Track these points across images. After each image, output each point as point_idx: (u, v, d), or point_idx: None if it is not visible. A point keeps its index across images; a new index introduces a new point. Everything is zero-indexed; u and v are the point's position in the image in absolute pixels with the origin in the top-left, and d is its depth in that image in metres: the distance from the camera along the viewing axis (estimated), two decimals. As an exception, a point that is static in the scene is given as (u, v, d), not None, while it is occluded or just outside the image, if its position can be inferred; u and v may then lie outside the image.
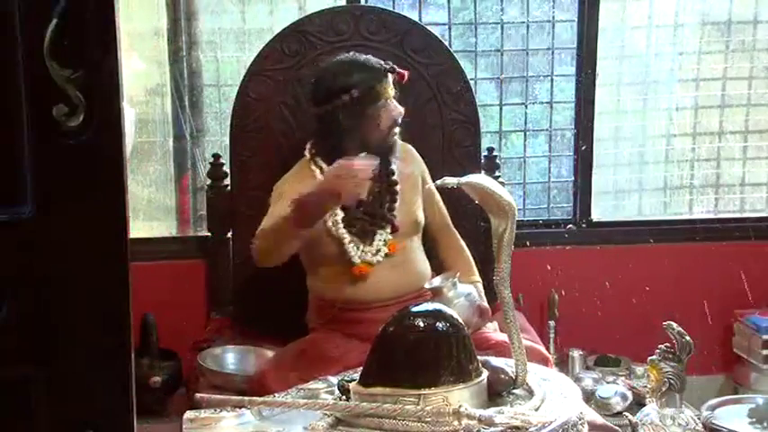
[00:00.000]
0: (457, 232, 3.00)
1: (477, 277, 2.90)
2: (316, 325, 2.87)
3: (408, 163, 2.91)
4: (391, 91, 2.76)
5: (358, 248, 2.76)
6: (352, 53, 2.85)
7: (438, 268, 2.93)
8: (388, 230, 2.79)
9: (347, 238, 2.74)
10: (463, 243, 2.99)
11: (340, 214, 2.74)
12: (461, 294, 2.63)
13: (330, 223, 2.73)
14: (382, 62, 2.79)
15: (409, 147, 2.96)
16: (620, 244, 3.73)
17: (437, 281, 2.67)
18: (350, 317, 2.77)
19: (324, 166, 2.77)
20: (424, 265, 2.90)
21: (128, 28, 3.37)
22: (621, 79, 3.83)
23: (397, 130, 2.80)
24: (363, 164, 2.54)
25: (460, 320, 2.11)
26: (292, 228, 2.57)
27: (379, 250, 2.77)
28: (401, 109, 2.78)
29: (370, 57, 2.81)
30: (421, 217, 2.90)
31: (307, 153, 2.85)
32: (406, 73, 2.81)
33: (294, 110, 3.14)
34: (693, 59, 3.83)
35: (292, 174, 2.84)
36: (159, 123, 3.56)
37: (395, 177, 2.83)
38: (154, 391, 3.07)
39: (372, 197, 2.79)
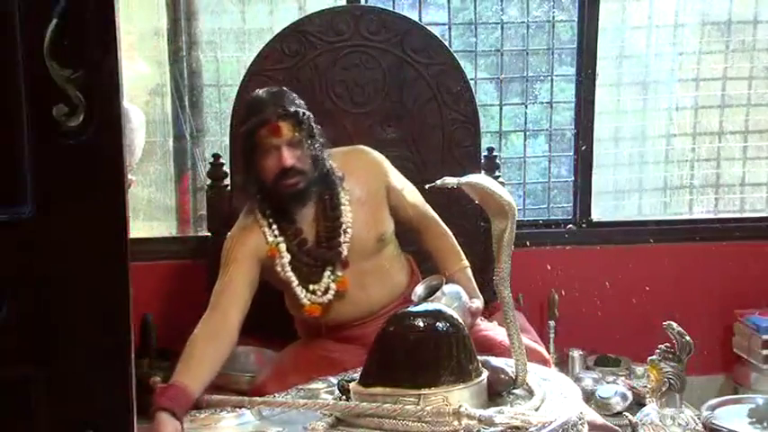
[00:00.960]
0: (438, 218, 2.90)
1: (464, 262, 2.83)
2: (306, 338, 2.85)
3: (363, 180, 2.77)
4: (277, 140, 2.58)
5: (306, 290, 2.68)
6: (266, 89, 2.70)
7: (425, 258, 2.90)
8: (338, 267, 2.69)
9: (294, 281, 2.67)
10: (446, 228, 2.88)
11: (286, 257, 2.65)
12: (452, 299, 2.57)
13: (278, 267, 2.66)
14: (276, 107, 2.60)
15: (366, 156, 2.82)
16: (620, 244, 3.74)
17: (420, 290, 2.63)
18: (336, 334, 2.76)
19: (266, 208, 2.67)
20: (400, 275, 2.83)
21: (128, 28, 3.37)
22: (621, 79, 3.83)
23: (292, 180, 2.60)
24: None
25: (460, 320, 2.11)
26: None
27: (327, 289, 2.68)
28: (288, 161, 2.58)
29: (274, 97, 2.63)
30: (387, 228, 2.78)
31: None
32: (278, 126, 2.59)
33: (294, 110, 3.14)
34: (693, 59, 3.83)
35: (238, 224, 2.73)
36: (159, 123, 3.56)
37: (340, 209, 2.69)
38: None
39: (317, 235, 2.69)
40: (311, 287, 2.68)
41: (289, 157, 2.59)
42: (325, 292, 2.68)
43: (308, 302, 2.68)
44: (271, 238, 2.65)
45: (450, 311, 2.13)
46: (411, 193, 2.86)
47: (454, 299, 2.58)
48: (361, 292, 2.72)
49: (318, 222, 2.69)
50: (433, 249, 2.87)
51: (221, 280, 2.62)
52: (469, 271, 2.83)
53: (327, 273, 2.68)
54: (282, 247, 2.65)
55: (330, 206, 2.69)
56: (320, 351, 2.71)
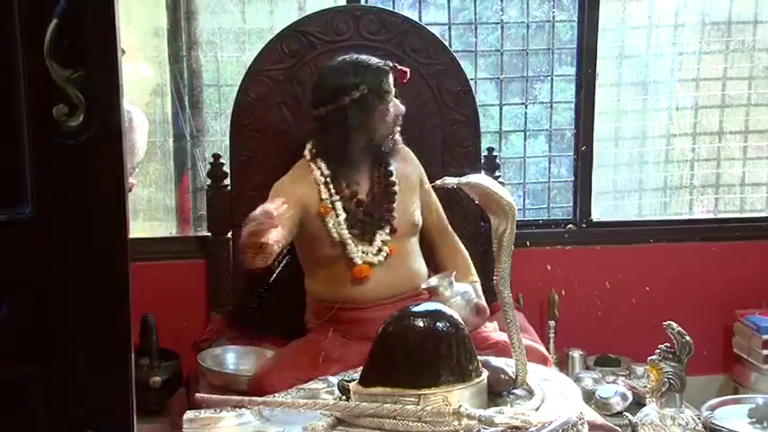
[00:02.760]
0: (454, 233, 3.01)
1: (475, 277, 2.90)
2: (314, 325, 2.87)
3: (407, 165, 2.93)
4: (393, 89, 2.80)
5: (358, 249, 2.76)
6: (352, 54, 2.86)
7: (436, 269, 2.93)
8: (388, 231, 2.79)
9: (349, 238, 2.74)
10: (461, 244, 2.99)
11: (342, 215, 2.75)
12: (458, 293, 2.63)
13: (331, 224, 2.74)
14: (383, 61, 2.81)
15: (407, 149, 2.96)
16: (620, 244, 3.73)
17: (433, 281, 2.67)
18: (348, 317, 2.77)
19: (323, 167, 2.78)
20: (421, 265, 2.90)
21: (128, 28, 3.37)
22: (621, 79, 3.83)
23: (398, 129, 2.83)
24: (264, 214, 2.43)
25: (460, 320, 2.11)
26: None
27: (380, 250, 2.78)
28: (403, 108, 2.81)
29: (370, 56, 2.83)
30: (419, 219, 2.90)
31: (307, 153, 2.85)
32: (407, 71, 2.83)
33: (294, 110, 3.14)
34: (693, 59, 3.83)
35: (290, 174, 2.84)
36: (159, 123, 3.56)
37: (393, 178, 2.84)
38: (154, 391, 3.06)
39: (372, 198, 2.80)
40: (362, 247, 2.75)
41: (402, 107, 2.80)
42: (378, 252, 2.77)
43: (361, 262, 2.74)
44: (325, 195, 2.74)
45: (450, 311, 2.13)
46: (436, 202, 2.99)
47: (459, 293, 2.63)
48: (388, 272, 2.77)
49: (373, 186, 2.80)
50: (446, 260, 2.94)
51: None
52: (479, 286, 2.88)
53: (380, 234, 2.77)
54: (339, 204, 2.74)
55: (384, 174, 2.83)
56: (321, 347, 2.71)
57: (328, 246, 2.76)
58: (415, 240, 2.90)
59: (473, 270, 2.93)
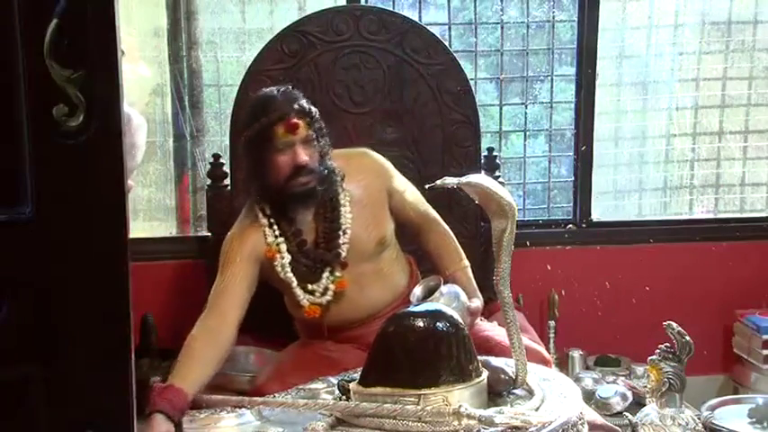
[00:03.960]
0: (439, 218, 2.89)
1: (465, 262, 2.82)
2: (306, 339, 2.85)
3: (367, 178, 2.77)
4: (292, 137, 2.58)
5: (305, 290, 2.68)
6: (274, 88, 2.69)
7: (426, 258, 2.89)
8: (337, 268, 2.68)
9: (294, 282, 2.66)
10: (447, 228, 2.88)
11: (287, 257, 2.65)
12: (451, 299, 2.56)
13: (279, 268, 2.65)
14: (291, 103, 2.60)
15: (364, 156, 2.82)
16: (620, 244, 3.73)
17: (418, 291, 2.62)
18: (335, 335, 2.75)
19: (266, 208, 2.67)
20: (401, 274, 2.83)
21: (128, 28, 3.37)
22: (621, 79, 3.83)
23: (304, 179, 2.60)
24: None
25: (460, 320, 2.11)
26: None
27: (326, 289, 2.68)
28: (303, 158, 2.58)
29: (285, 95, 2.63)
30: (388, 231, 2.77)
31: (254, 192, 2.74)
32: (296, 122, 2.59)
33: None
34: (693, 59, 3.83)
35: (239, 225, 2.72)
36: (159, 123, 3.56)
37: (340, 211, 2.68)
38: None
39: (316, 237, 2.69)
40: (310, 287, 2.67)
41: (303, 155, 2.58)
42: (324, 293, 2.67)
43: (308, 303, 2.68)
44: (271, 239, 2.65)
45: (450, 311, 2.13)
46: (412, 195, 2.86)
47: (453, 299, 2.57)
48: (360, 294, 2.71)
49: (318, 223, 2.68)
50: (434, 249, 2.86)
51: (220, 279, 2.62)
52: (469, 270, 2.82)
53: (326, 274, 2.67)
54: (283, 247, 2.65)
55: (330, 207, 2.68)
56: (320, 351, 2.71)
57: (282, 285, 2.70)
58: (390, 251, 2.79)
59: (463, 255, 2.84)
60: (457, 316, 2.13)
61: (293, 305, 2.75)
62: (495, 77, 3.70)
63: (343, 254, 2.67)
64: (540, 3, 3.66)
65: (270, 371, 2.71)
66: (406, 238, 2.89)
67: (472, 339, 2.12)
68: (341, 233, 2.67)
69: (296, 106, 2.59)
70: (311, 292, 2.67)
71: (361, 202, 2.72)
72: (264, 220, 2.66)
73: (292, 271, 2.66)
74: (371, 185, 2.77)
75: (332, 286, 2.67)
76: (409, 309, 2.17)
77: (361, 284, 2.71)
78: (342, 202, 2.69)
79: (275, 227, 2.66)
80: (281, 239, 2.65)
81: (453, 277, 2.74)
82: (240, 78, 3.20)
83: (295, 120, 2.58)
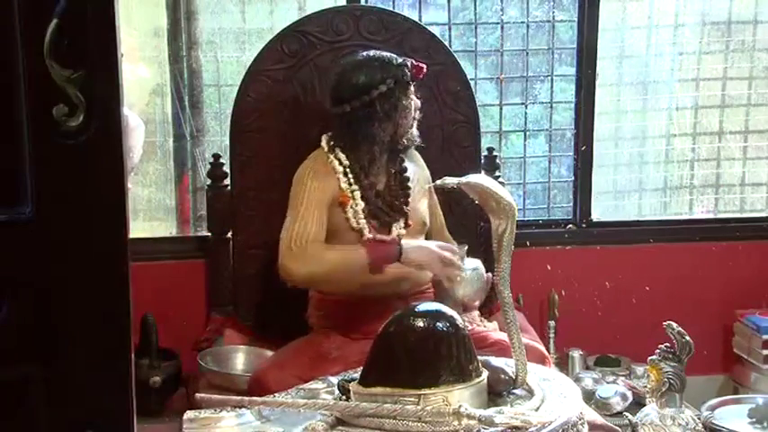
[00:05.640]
0: (451, 238, 3.02)
1: None
2: (316, 321, 2.86)
3: (417, 167, 2.97)
4: (411, 90, 2.83)
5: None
6: (366, 51, 2.87)
7: None
8: (403, 225, 2.82)
9: (366, 229, 2.75)
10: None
11: (361, 204, 2.76)
12: (470, 267, 2.73)
13: (351, 214, 2.75)
14: (402, 57, 2.84)
15: (417, 153, 2.99)
16: (620, 244, 3.73)
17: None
18: (353, 311, 2.76)
19: (342, 157, 2.79)
20: None
21: (128, 28, 3.37)
22: (621, 79, 3.83)
23: (416, 123, 2.87)
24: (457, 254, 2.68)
25: (460, 320, 2.11)
26: (366, 273, 2.65)
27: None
28: (419, 102, 2.86)
29: (386, 52, 2.86)
30: (427, 218, 2.93)
31: (324, 145, 2.84)
32: (424, 66, 2.83)
33: (294, 110, 3.14)
34: (693, 59, 3.83)
35: (311, 168, 2.81)
36: (159, 123, 3.56)
37: (408, 174, 2.88)
38: (154, 391, 3.07)
39: (389, 190, 2.83)
40: (378, 238, 2.75)
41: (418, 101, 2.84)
42: None
43: None
44: (345, 185, 2.76)
45: (450, 311, 2.13)
46: (438, 205, 3.03)
47: (473, 268, 2.72)
48: (395, 269, 2.75)
49: (389, 180, 2.84)
50: None
51: (299, 221, 2.70)
52: None
53: (396, 225, 2.80)
54: (357, 194, 2.76)
55: (400, 167, 2.88)
56: (321, 347, 2.71)
57: (345, 235, 2.75)
58: (422, 239, 2.89)
59: None
60: (457, 315, 2.14)
61: None
62: (495, 77, 3.70)
63: (410, 212, 2.83)
64: (540, 3, 3.66)
65: (269, 362, 2.72)
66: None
67: (472, 339, 2.12)
68: (409, 191, 2.85)
69: (405, 59, 2.82)
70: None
71: (414, 181, 2.90)
72: (340, 168, 2.78)
73: (366, 219, 2.76)
74: (420, 174, 2.95)
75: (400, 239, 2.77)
76: (409, 308, 2.17)
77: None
78: (408, 168, 2.89)
79: (350, 175, 2.77)
80: (355, 186, 2.77)
81: None
82: (240, 78, 3.20)
83: (420, 64, 2.82)
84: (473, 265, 2.75)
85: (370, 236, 2.74)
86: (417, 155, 2.99)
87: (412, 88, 2.82)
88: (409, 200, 2.85)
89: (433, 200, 3.00)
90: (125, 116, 2.47)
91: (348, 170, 2.78)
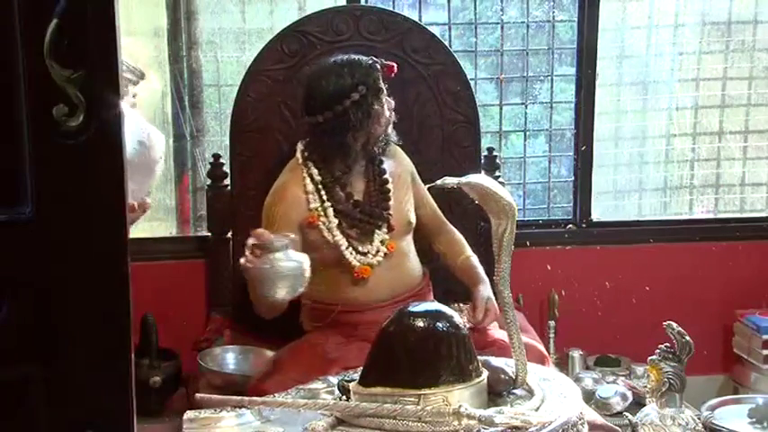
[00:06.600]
0: (446, 221, 3.02)
1: (469, 251, 2.95)
2: (311, 328, 2.86)
3: (398, 163, 2.92)
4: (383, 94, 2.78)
5: (356, 251, 2.74)
6: (336, 55, 2.82)
7: (437, 258, 2.99)
8: (385, 230, 2.79)
9: (344, 244, 2.73)
10: (454, 228, 3.02)
11: (334, 222, 2.72)
12: (294, 259, 2.42)
13: (325, 232, 2.72)
14: (371, 58, 2.79)
15: (396, 147, 2.93)
16: (620, 244, 3.73)
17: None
18: (347, 319, 2.76)
19: (315, 172, 2.74)
20: (417, 264, 2.90)
21: (128, 28, 3.36)
22: (621, 79, 3.83)
23: (391, 125, 2.83)
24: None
25: (460, 320, 2.11)
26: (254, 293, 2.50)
27: (378, 251, 2.77)
28: (393, 102, 2.82)
29: (355, 55, 2.80)
30: (413, 217, 2.89)
31: (299, 156, 2.81)
32: (394, 65, 2.80)
33: (294, 110, 3.14)
34: (693, 59, 3.83)
35: (280, 192, 2.77)
36: (159, 123, 3.55)
37: (387, 176, 2.84)
38: (154, 391, 3.07)
39: (368, 197, 2.80)
40: (361, 249, 2.74)
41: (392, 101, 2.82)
42: (376, 253, 2.76)
43: (359, 264, 2.73)
44: (315, 204, 2.71)
45: (450, 311, 2.13)
46: (428, 195, 2.97)
47: (297, 259, 2.41)
48: (388, 272, 2.77)
49: (368, 186, 2.80)
50: (442, 243, 2.98)
51: None
52: (476, 259, 2.92)
53: (378, 234, 2.76)
54: (330, 211, 2.72)
55: (378, 171, 2.83)
56: (320, 348, 2.71)
57: (325, 251, 2.73)
58: (410, 239, 2.89)
59: (467, 247, 2.97)
60: (457, 316, 2.13)
61: (324, 280, 2.70)
62: (495, 77, 3.70)
63: (392, 216, 2.78)
64: (540, 3, 3.66)
65: (269, 366, 2.72)
66: (417, 242, 2.95)
67: (472, 339, 2.12)
68: (389, 194, 2.80)
69: (375, 61, 2.77)
70: (363, 254, 2.74)
71: (395, 178, 2.85)
72: (311, 185, 2.73)
73: (341, 232, 2.72)
74: (401, 171, 2.90)
75: (383, 247, 2.75)
76: (409, 309, 2.16)
77: (389, 263, 2.78)
78: (386, 170, 2.84)
79: (322, 192, 2.73)
80: (327, 203, 2.72)
81: (462, 264, 2.88)
82: (240, 78, 3.20)
83: (390, 63, 2.79)
84: (298, 258, 2.43)
85: (348, 251, 2.72)
86: (396, 149, 2.93)
87: (384, 90, 2.76)
88: (390, 204, 2.81)
89: (418, 187, 2.93)
90: (147, 131, 2.47)
91: (320, 186, 2.74)
